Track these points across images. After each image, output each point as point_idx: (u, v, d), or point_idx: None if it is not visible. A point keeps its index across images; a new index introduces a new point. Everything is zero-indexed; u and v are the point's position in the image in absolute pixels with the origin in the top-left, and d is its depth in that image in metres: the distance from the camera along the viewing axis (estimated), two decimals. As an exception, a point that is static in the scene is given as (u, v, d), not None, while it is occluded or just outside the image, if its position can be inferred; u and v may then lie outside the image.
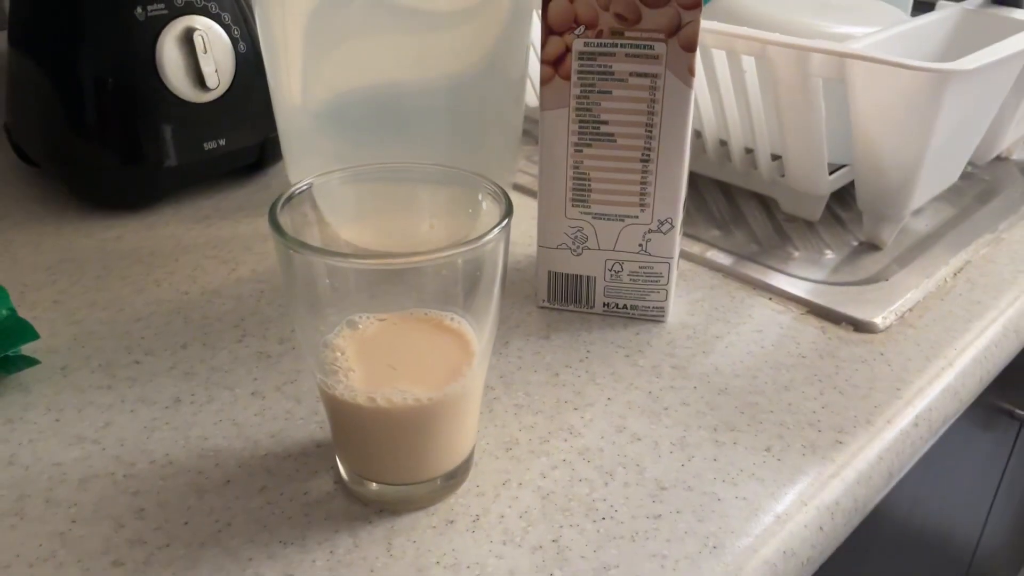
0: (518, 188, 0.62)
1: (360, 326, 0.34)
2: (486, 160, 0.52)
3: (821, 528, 0.36)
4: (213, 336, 0.46)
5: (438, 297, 0.34)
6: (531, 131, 0.65)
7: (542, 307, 0.48)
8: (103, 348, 0.44)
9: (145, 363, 0.43)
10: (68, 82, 0.55)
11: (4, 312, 0.41)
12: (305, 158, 0.53)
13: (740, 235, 0.57)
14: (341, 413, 0.33)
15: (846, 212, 0.60)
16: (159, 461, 0.37)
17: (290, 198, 0.33)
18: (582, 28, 0.41)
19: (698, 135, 0.60)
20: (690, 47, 0.40)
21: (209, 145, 0.58)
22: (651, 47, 0.40)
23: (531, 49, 0.56)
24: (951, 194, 0.61)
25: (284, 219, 0.32)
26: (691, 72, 0.41)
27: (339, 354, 0.34)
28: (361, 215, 0.39)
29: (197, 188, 0.61)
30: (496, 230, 0.31)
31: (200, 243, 0.55)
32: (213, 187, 0.61)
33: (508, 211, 0.32)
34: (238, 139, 0.59)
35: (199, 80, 0.56)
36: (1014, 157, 0.68)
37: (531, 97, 0.65)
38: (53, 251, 0.53)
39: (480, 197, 0.34)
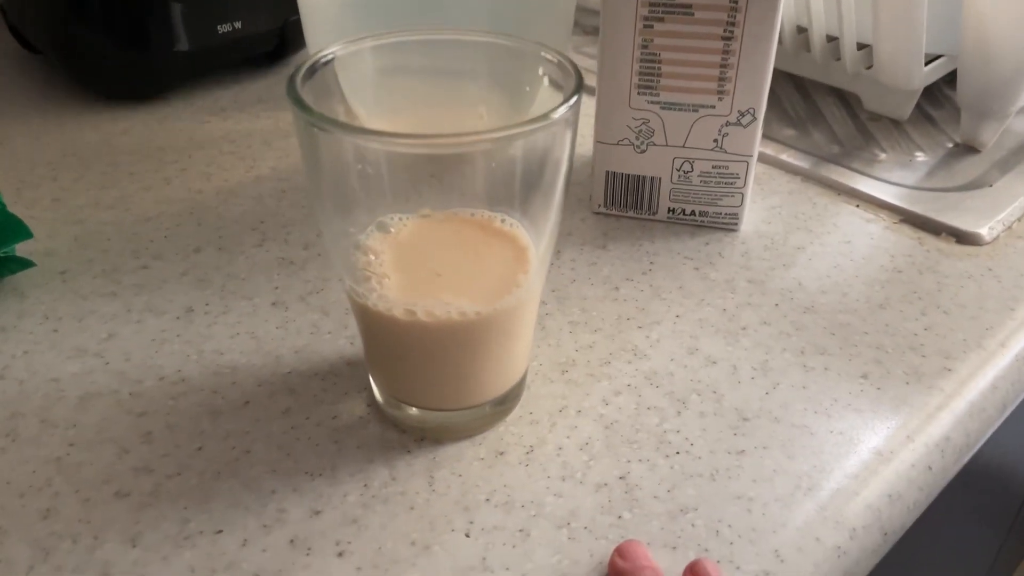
0: (566, 82, 0.56)
1: (392, 229, 0.29)
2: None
3: (930, 468, 0.31)
4: (229, 240, 0.41)
5: (488, 194, 0.29)
6: (578, 20, 0.59)
7: (597, 213, 0.43)
8: (107, 251, 0.40)
9: (154, 268, 0.39)
10: (65, -46, 0.49)
11: (-7, 207, 0.36)
12: (331, 46, 0.47)
13: (818, 135, 0.50)
14: (375, 327, 0.29)
15: (937, 110, 0.53)
16: (169, 378, 0.33)
17: (312, 69, 0.27)
18: None
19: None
20: None
21: (223, 28, 0.52)
22: None
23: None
24: (1056, 92, 0.54)
25: (306, 94, 0.26)
26: (790, -72, 0.34)
27: (372, 257, 0.29)
28: (395, 102, 0.33)
29: (211, 78, 0.55)
30: (565, 107, 0.25)
31: (215, 138, 0.49)
32: (229, 77, 0.56)
33: (578, 84, 0.26)
34: (255, 22, 0.53)
35: (210, -48, 0.49)
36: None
37: (581, -21, 0.58)
38: (54, 145, 0.48)
39: (541, 71, 0.28)
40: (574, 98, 0.25)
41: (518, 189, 0.28)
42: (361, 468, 0.29)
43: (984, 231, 0.41)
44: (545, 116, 0.24)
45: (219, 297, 0.37)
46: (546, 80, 0.28)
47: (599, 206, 0.43)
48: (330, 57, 0.28)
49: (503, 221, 0.29)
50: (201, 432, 0.31)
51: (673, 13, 0.36)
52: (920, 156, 0.48)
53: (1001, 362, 0.35)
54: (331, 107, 0.28)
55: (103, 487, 0.28)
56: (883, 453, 0.30)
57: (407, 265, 0.28)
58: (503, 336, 0.29)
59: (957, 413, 0.32)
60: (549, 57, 0.28)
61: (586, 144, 0.47)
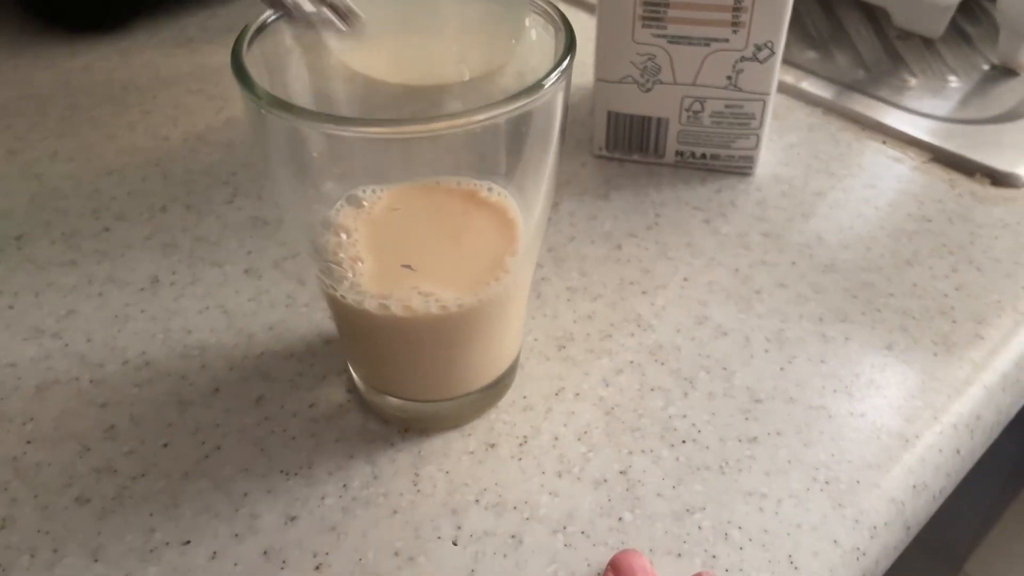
0: (566, -1, 0.51)
1: (365, 203, 0.26)
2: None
3: (958, 451, 0.28)
4: (198, 196, 0.37)
5: (472, 162, 0.25)
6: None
7: (599, 156, 0.39)
8: (67, 212, 0.37)
9: (116, 231, 0.36)
10: None
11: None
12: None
13: (842, 58, 0.46)
14: (347, 318, 0.26)
15: (974, 27, 0.48)
16: (133, 362, 0.30)
17: (262, 28, 0.23)
18: None
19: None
20: None
21: (186, -52, 0.47)
22: None
23: None
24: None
25: (254, 57, 0.22)
26: None
27: (344, 237, 0.26)
28: (372, 38, 0.29)
29: (179, 3, 0.51)
30: (553, 77, 0.21)
31: (183, 74, 0.45)
32: (198, 1, 0.51)
33: (569, 45, 0.22)
34: (221, -60, 0.48)
35: None
36: None
37: None
38: (7, 86, 0.45)
39: (528, 22, 0.25)
40: (564, 63, 0.22)
41: (504, 158, 0.24)
42: (340, 465, 0.27)
43: (1022, 171, 0.38)
44: (531, 91, 0.21)
45: (187, 265, 0.34)
46: (533, 33, 0.24)
47: (600, 149, 0.39)
48: (283, 13, 0.24)
49: (490, 190, 0.26)
50: (168, 425, 0.28)
51: (682, -66, 0.32)
52: (953, 80, 0.44)
53: (1038, 326, 0.32)
54: (289, 39, 0.25)
55: (63, 492, 0.26)
56: (907, 437, 0.28)
57: (381, 248, 0.25)
58: (490, 326, 0.26)
59: (989, 387, 0.30)
60: (536, 6, 0.24)
61: (587, 75, 0.43)
